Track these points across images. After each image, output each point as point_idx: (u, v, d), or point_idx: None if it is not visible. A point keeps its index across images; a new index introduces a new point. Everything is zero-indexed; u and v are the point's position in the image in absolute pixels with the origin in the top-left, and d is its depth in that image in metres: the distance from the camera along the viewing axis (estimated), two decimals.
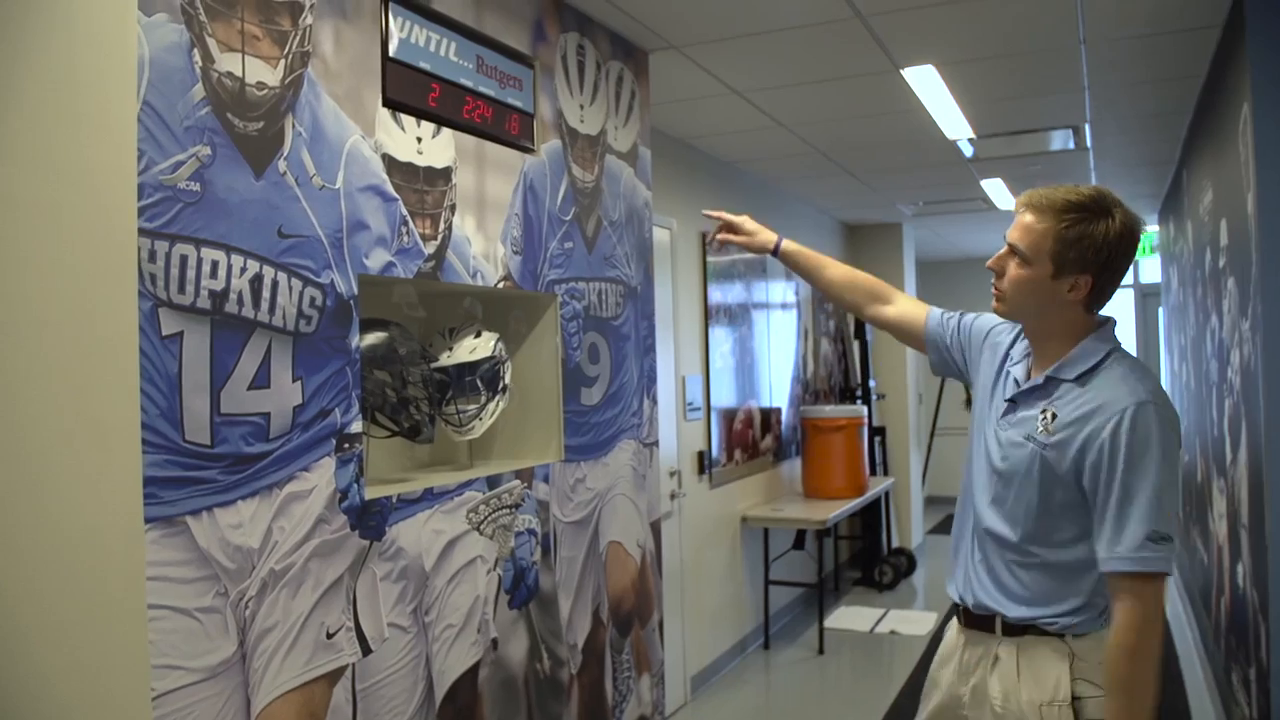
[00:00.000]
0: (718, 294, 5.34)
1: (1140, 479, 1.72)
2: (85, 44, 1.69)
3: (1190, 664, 5.00)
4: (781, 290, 6.39)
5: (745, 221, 2.51)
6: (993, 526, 1.94)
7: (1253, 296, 3.07)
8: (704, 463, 5.09)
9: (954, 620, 2.10)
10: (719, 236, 2.54)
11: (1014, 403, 1.94)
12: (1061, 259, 1.79)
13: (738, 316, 5.65)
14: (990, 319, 2.12)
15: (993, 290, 1.92)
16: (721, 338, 5.39)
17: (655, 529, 3.37)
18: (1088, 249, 1.78)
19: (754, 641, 5.64)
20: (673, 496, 4.68)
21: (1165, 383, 8.24)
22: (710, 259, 5.25)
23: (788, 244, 2.45)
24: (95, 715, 1.67)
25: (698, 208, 5.19)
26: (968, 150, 5.31)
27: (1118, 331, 1.93)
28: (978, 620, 1.98)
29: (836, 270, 2.41)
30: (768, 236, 2.47)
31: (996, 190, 6.53)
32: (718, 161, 5.43)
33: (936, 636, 2.68)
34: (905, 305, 2.32)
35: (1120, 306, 10.54)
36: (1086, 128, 4.90)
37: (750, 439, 5.76)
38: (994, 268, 1.91)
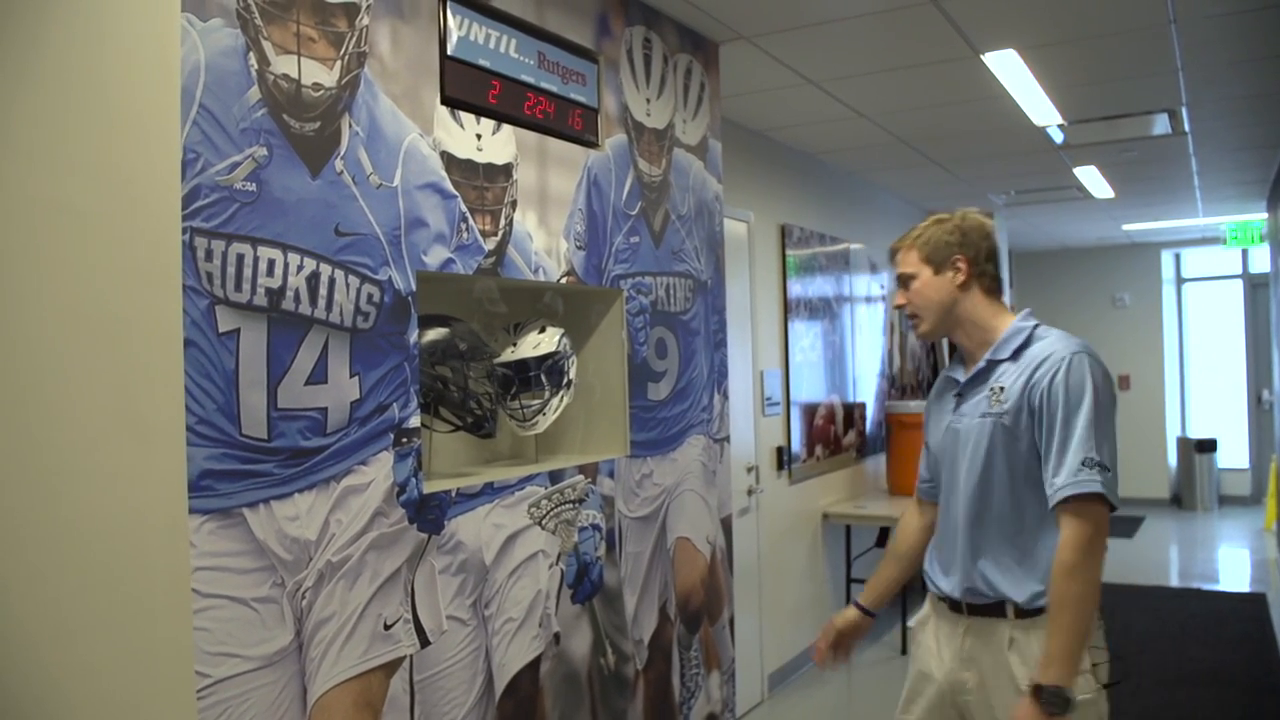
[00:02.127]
0: (798, 287, 5.28)
1: (1076, 415, 1.92)
2: (130, 50, 1.74)
3: None
4: (865, 284, 6.28)
5: (840, 633, 2.41)
6: (979, 516, 2.06)
7: None
8: (783, 458, 5.03)
9: (933, 612, 2.20)
10: (833, 661, 2.44)
11: (961, 396, 2.14)
12: (932, 257, 2.12)
13: (819, 310, 5.57)
14: (926, 408, 2.35)
15: (911, 319, 2.19)
16: (802, 331, 5.32)
17: (726, 525, 3.35)
18: (944, 238, 2.11)
19: None
20: (750, 492, 4.64)
21: (1275, 375, 7.87)
22: (790, 252, 5.19)
23: (866, 598, 2.43)
24: (140, 705, 1.73)
25: (777, 200, 5.14)
26: (1058, 137, 5.14)
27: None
28: (984, 609, 2.06)
29: (890, 567, 2.46)
30: (858, 618, 2.41)
31: (1091, 178, 6.31)
32: (798, 153, 5.36)
33: None
34: (917, 511, 2.41)
35: (1228, 298, 10.13)
36: (1183, 111, 4.69)
37: (832, 434, 5.68)
38: (900, 304, 2.20)
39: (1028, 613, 2.01)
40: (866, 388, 6.24)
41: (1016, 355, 2.06)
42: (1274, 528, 8.13)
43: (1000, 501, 2.04)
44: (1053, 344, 2.03)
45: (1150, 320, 10.24)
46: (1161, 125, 4.95)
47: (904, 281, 2.18)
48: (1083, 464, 1.90)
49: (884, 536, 6.03)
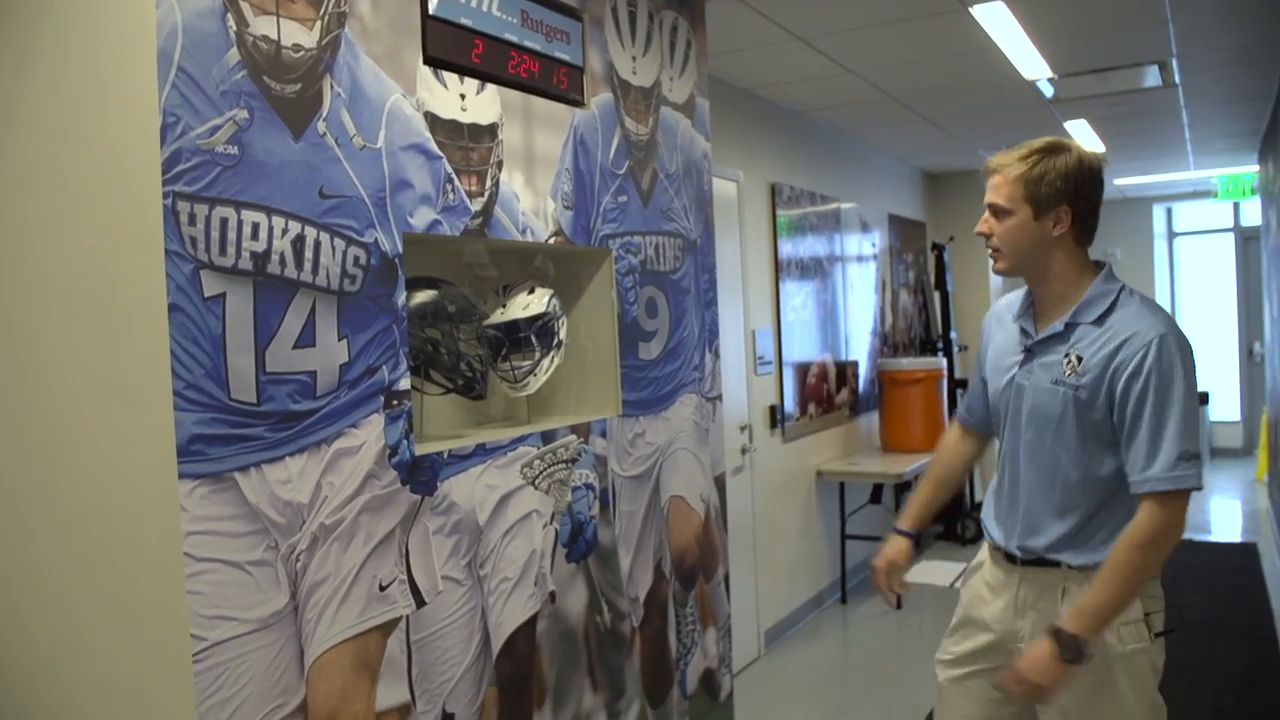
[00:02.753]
0: (789, 246, 5.27)
1: (1169, 404, 1.85)
2: (105, 12, 1.71)
3: None
4: (857, 242, 6.27)
5: (887, 563, 2.41)
6: (1040, 478, 2.00)
7: None
8: (776, 417, 5.05)
9: (988, 559, 2.17)
10: (896, 589, 2.44)
11: (1030, 352, 2.03)
12: (1037, 198, 1.95)
13: (811, 269, 5.57)
14: (985, 327, 2.28)
15: (990, 254, 2.05)
16: (793, 291, 5.32)
17: (720, 483, 3.36)
18: (1056, 180, 1.94)
19: (830, 596, 5.62)
20: (744, 451, 4.66)
21: (1267, 328, 7.89)
22: (780, 211, 5.17)
23: (909, 520, 2.43)
24: (134, 670, 1.74)
25: (766, 159, 5.12)
26: (1048, 91, 5.12)
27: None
28: (1039, 561, 2.03)
29: (929, 491, 2.43)
30: (905, 544, 2.40)
31: (1082, 132, 6.29)
32: (787, 111, 5.33)
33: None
34: (960, 436, 2.41)
35: (1220, 251, 10.13)
36: (1174, 63, 4.67)
37: (825, 393, 5.70)
38: (983, 232, 2.05)
39: (1083, 568, 2.00)
40: (859, 346, 6.25)
41: (1100, 320, 1.96)
42: (1265, 479, 8.19)
43: (1065, 470, 1.98)
44: (1138, 317, 1.94)
45: (1142, 275, 10.23)
46: (1152, 77, 4.93)
47: (996, 212, 2.01)
48: (1179, 457, 1.85)
49: (878, 493, 6.07)
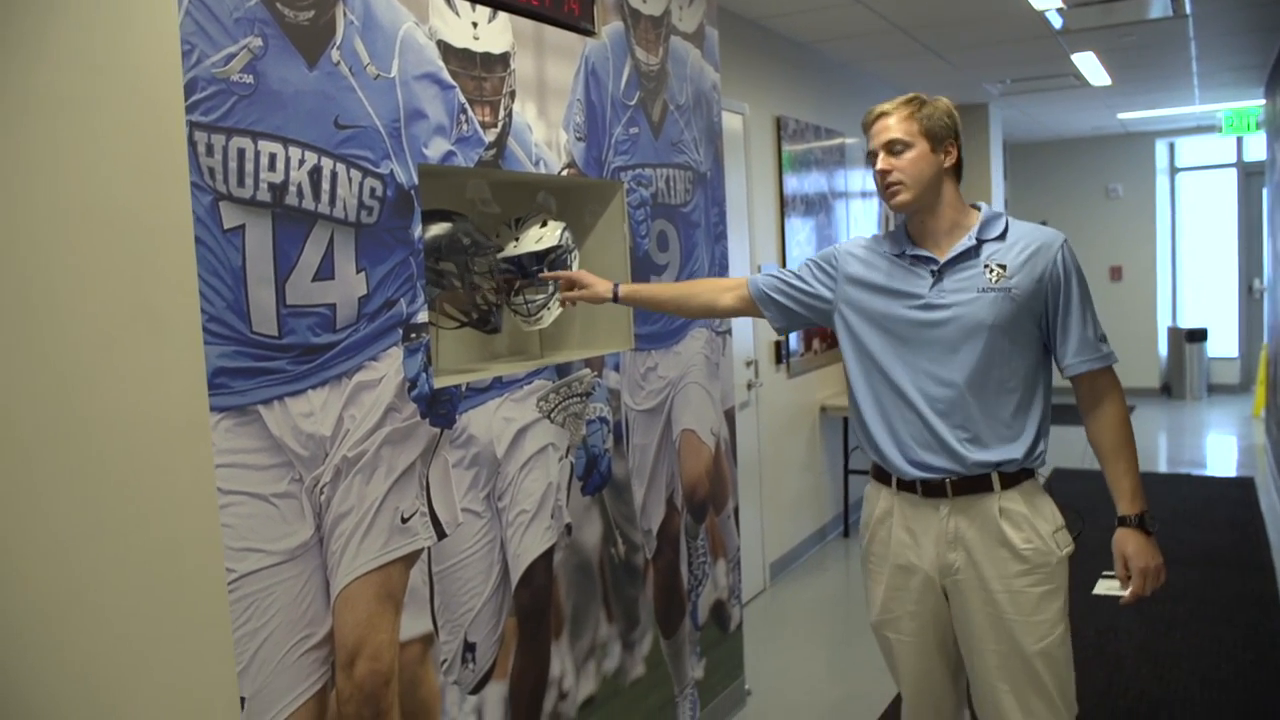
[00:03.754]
0: (794, 182, 5.22)
1: (1084, 296, 2.12)
2: None
3: None
4: (861, 179, 6.22)
5: (581, 276, 2.60)
6: (976, 391, 2.09)
7: None
8: (781, 352, 5.05)
9: (897, 504, 2.19)
10: (561, 295, 2.65)
11: (938, 274, 2.13)
12: (932, 133, 2.11)
13: (816, 205, 5.53)
14: (831, 251, 2.34)
15: (890, 187, 2.12)
16: (798, 226, 5.28)
17: (730, 417, 3.37)
18: (943, 117, 2.13)
19: (833, 530, 5.67)
20: (749, 386, 4.67)
21: (1267, 262, 7.88)
22: (786, 147, 5.12)
23: (624, 288, 2.58)
24: (172, 597, 1.75)
25: (773, 92, 5.05)
26: (1056, 21, 5.03)
27: None
28: (971, 486, 2.10)
29: (670, 291, 2.64)
30: (604, 285, 2.57)
31: (1089, 65, 6.21)
32: (792, 43, 5.25)
33: None
34: (734, 289, 2.51)
35: (1221, 187, 10.08)
36: None
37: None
38: (882, 169, 2.13)
39: (1011, 480, 2.11)
40: None
41: (1002, 236, 2.14)
42: (1262, 415, 8.24)
43: (999, 374, 2.09)
44: (1035, 230, 2.16)
45: (1143, 211, 10.20)
46: (1162, 7, 4.85)
47: (894, 148, 2.12)
48: (1101, 339, 2.13)
49: None
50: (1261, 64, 6.59)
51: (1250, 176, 9.86)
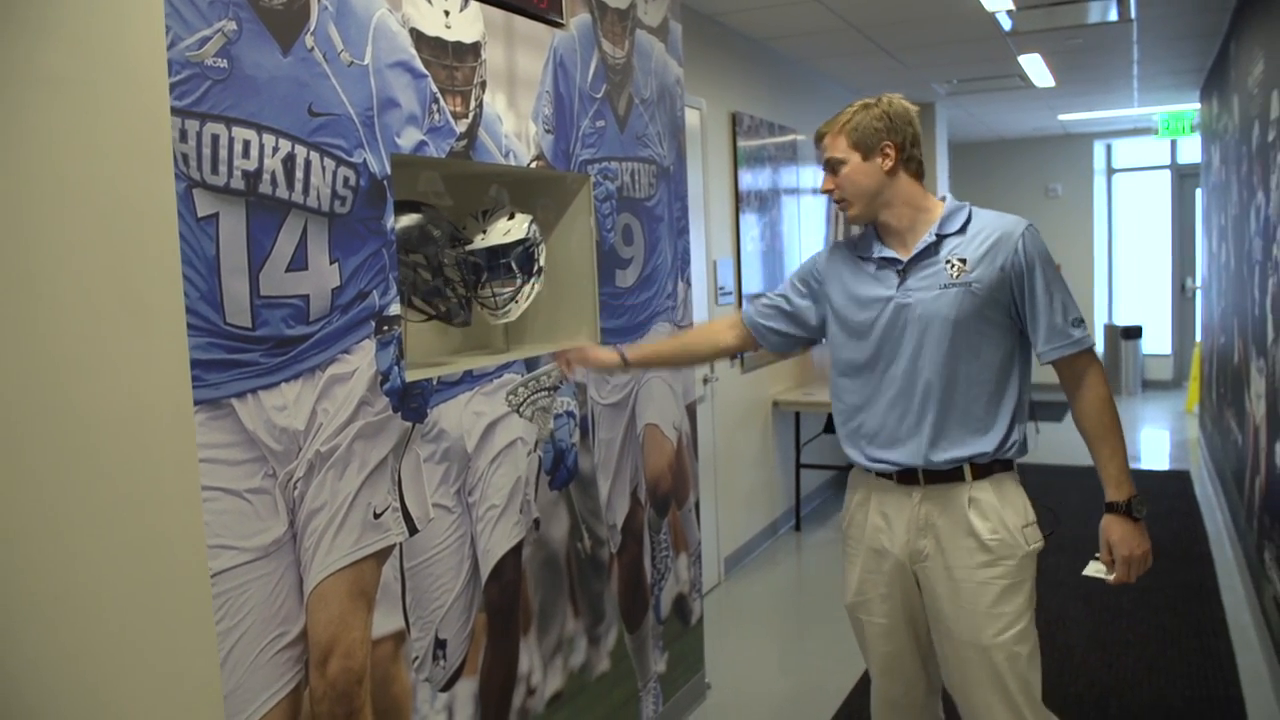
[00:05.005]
0: (748, 177, 5.24)
1: (1054, 281, 2.12)
2: None
3: (1220, 544, 5.03)
4: (812, 175, 6.26)
5: (587, 347, 2.63)
6: (945, 385, 2.12)
7: None
8: None
9: (874, 490, 2.23)
10: (564, 364, 2.64)
11: (903, 273, 2.16)
12: (861, 143, 2.14)
13: (768, 200, 5.56)
14: (811, 263, 2.38)
15: (838, 206, 2.21)
16: (752, 222, 5.31)
17: (691, 412, 3.38)
18: (872, 124, 2.14)
19: (785, 524, 5.71)
20: (705, 381, 4.68)
21: (1201, 264, 8.10)
22: (741, 142, 5.14)
23: (631, 353, 2.57)
24: (155, 594, 1.71)
25: (729, 88, 5.07)
26: (1006, 23, 5.11)
27: None
28: (944, 475, 2.14)
29: (673, 345, 2.68)
30: (609, 353, 2.59)
31: (1034, 66, 6.32)
32: (748, 39, 5.27)
33: None
34: (732, 327, 2.50)
35: (1156, 188, 10.33)
36: None
37: None
38: (827, 189, 2.21)
39: (984, 471, 2.12)
40: None
41: (962, 230, 2.15)
42: (1195, 410, 8.47)
43: (968, 368, 2.11)
44: (998, 219, 2.17)
45: (1081, 210, 10.42)
46: (1110, 11, 4.95)
47: (832, 166, 2.19)
48: (1076, 323, 2.13)
49: (831, 423, 6.15)
50: (1199, 68, 6.76)
51: (1184, 178, 10.12)
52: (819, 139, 2.24)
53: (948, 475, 2.13)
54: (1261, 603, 3.82)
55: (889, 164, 2.15)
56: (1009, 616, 2.08)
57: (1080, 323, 2.13)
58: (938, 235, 2.15)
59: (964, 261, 2.11)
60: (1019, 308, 2.13)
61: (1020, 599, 2.10)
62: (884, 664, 2.28)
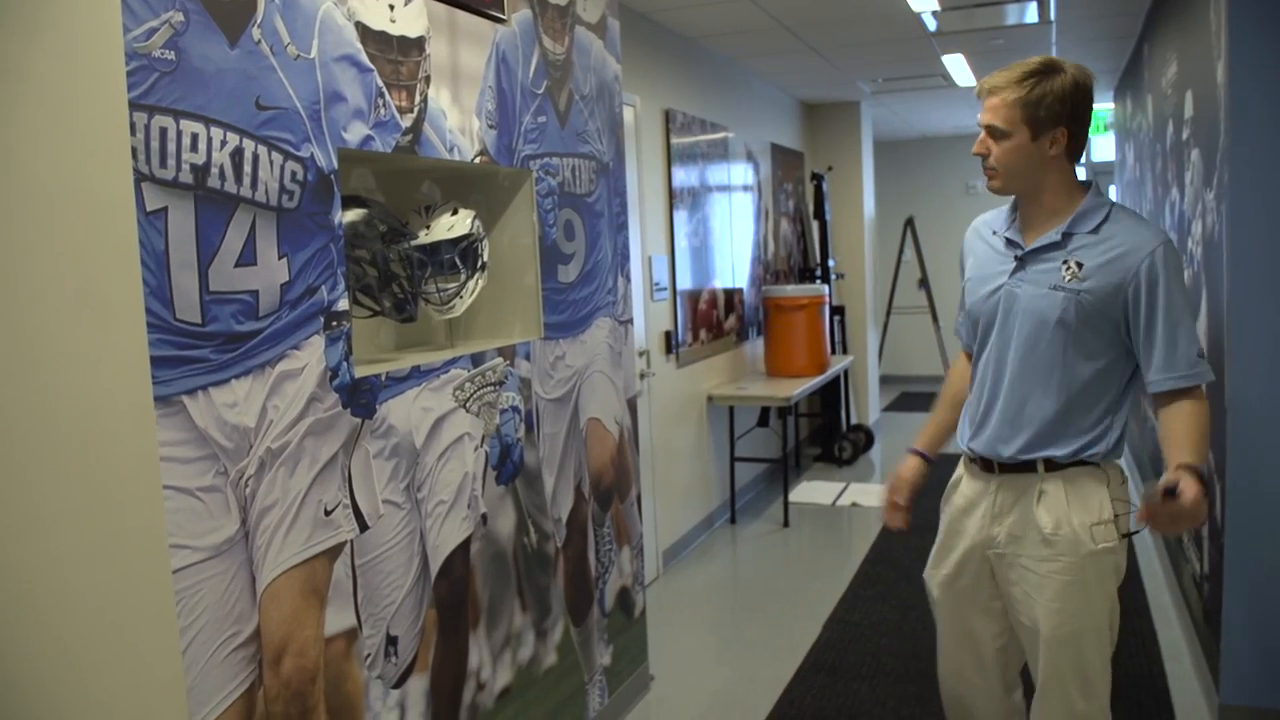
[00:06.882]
0: (681, 174, 5.29)
1: (1181, 307, 1.95)
2: None
3: None
4: (742, 171, 6.33)
5: (896, 486, 2.35)
6: (1028, 382, 2.06)
7: (1219, 166, 3.10)
8: (671, 343, 5.11)
9: (965, 473, 2.24)
10: (902, 503, 2.37)
11: (1023, 261, 2.08)
12: (1035, 120, 1.98)
13: (700, 197, 5.60)
14: (962, 249, 2.31)
15: (986, 173, 2.08)
16: (685, 219, 5.35)
17: (632, 406, 3.40)
18: (1054, 103, 1.97)
19: (721, 516, 5.77)
20: (642, 376, 4.71)
21: None
22: (674, 139, 5.17)
23: (924, 441, 2.40)
24: (114, 595, 1.68)
25: (662, 85, 5.10)
26: (931, 24, 5.23)
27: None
28: (1018, 466, 2.11)
29: (948, 408, 2.38)
30: (911, 465, 2.36)
31: (957, 66, 6.47)
32: (681, 37, 5.31)
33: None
34: (965, 357, 2.37)
35: None
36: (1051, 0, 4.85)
37: (714, 319, 5.79)
38: (980, 152, 2.08)
39: (1060, 466, 2.06)
40: (743, 273, 6.35)
41: (1096, 230, 2.02)
42: None
43: (1054, 372, 2.04)
44: (1135, 229, 2.00)
45: (999, 206, 10.67)
46: (1030, 14, 5.10)
47: (994, 134, 2.03)
48: (1199, 355, 1.96)
49: (765, 416, 6.23)
50: (1113, 70, 6.99)
51: (1099, 175, 10.44)
52: (988, 92, 2.02)
53: (1022, 466, 2.10)
54: (1180, 582, 3.97)
55: (1056, 150, 2.00)
56: (1068, 613, 2.05)
57: (1202, 356, 1.97)
58: (1064, 234, 2.03)
59: (1081, 266, 1.99)
60: (1130, 329, 1.99)
61: (1082, 595, 2.04)
62: (947, 639, 2.31)
